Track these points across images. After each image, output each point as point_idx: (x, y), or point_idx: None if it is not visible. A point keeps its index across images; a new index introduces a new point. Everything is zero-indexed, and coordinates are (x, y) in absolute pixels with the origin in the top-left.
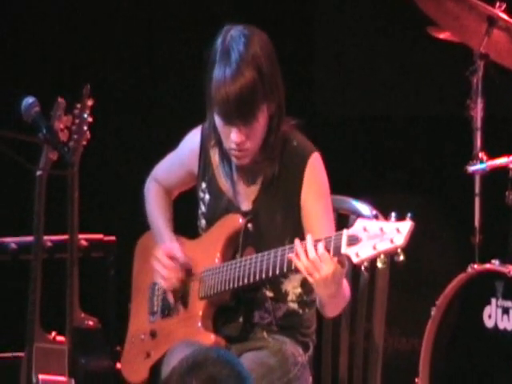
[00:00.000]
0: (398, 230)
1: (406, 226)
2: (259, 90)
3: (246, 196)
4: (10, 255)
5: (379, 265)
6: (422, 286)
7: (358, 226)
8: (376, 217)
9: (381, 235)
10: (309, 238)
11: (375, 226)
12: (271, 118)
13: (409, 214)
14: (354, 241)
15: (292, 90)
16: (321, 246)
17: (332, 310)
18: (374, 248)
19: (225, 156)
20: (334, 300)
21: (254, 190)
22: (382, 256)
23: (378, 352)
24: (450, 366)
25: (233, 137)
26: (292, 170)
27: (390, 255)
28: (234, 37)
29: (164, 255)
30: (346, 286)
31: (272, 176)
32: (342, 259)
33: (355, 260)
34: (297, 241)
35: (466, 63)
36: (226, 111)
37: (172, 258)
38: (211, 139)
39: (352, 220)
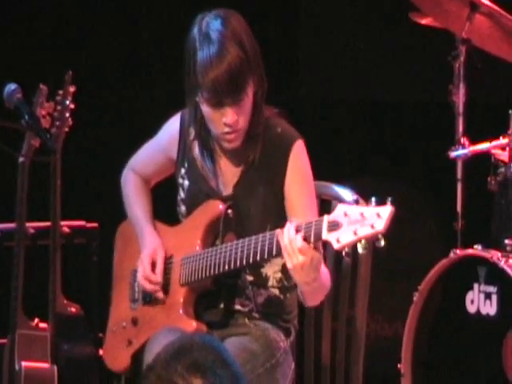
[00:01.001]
0: (378, 215)
1: (387, 210)
2: (245, 64)
3: (228, 181)
4: None
5: (360, 250)
6: (404, 271)
7: (338, 212)
8: (357, 202)
9: (361, 220)
10: (290, 227)
11: (356, 211)
12: (256, 92)
13: (389, 199)
14: (334, 226)
15: (276, 75)
16: (299, 236)
17: (313, 299)
18: (355, 233)
19: (206, 148)
20: (314, 288)
21: (235, 174)
22: (363, 241)
23: (360, 337)
24: (433, 352)
25: (227, 118)
26: (275, 156)
27: (371, 240)
28: (209, 21)
29: (148, 261)
30: (325, 273)
31: (254, 159)
32: (317, 245)
33: (336, 246)
34: (278, 230)
35: (448, 48)
36: (217, 91)
37: (153, 263)
38: (190, 130)
39: (334, 206)
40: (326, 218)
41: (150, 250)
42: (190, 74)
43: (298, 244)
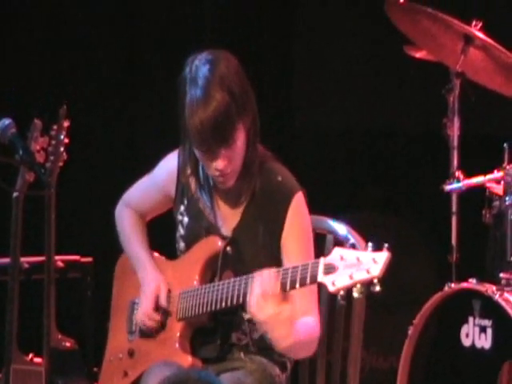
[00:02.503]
0: (374, 261)
1: (383, 256)
2: (233, 111)
3: (227, 221)
4: None
5: (355, 295)
6: (399, 305)
7: (334, 255)
8: (353, 246)
9: (357, 265)
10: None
11: (352, 255)
12: (248, 133)
13: (385, 245)
14: (330, 269)
15: (270, 106)
16: (274, 283)
17: (297, 354)
18: (351, 277)
19: (203, 185)
20: (287, 344)
21: (234, 217)
22: (359, 286)
23: (355, 371)
24: None
25: (216, 165)
26: (275, 206)
27: (367, 285)
28: (198, 65)
29: (153, 299)
30: (307, 328)
31: (250, 198)
32: (286, 295)
33: (331, 289)
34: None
35: (443, 82)
36: (202, 139)
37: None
38: (187, 168)
39: (329, 240)
40: (323, 261)
41: (154, 286)
42: (182, 115)
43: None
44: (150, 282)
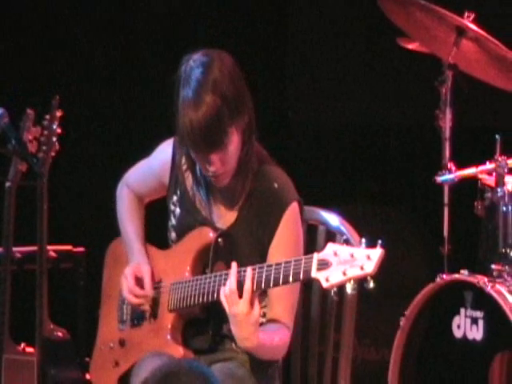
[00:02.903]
0: (368, 257)
1: (377, 253)
2: (224, 115)
3: (222, 218)
4: None
5: (349, 291)
6: (391, 296)
7: (328, 251)
8: (346, 241)
9: (351, 261)
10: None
11: (346, 251)
12: (243, 134)
13: (379, 241)
14: (324, 265)
15: (264, 100)
16: (248, 282)
17: (257, 355)
18: (344, 274)
19: (199, 181)
20: (249, 345)
21: (230, 215)
22: (352, 282)
23: (347, 361)
24: (419, 377)
25: (210, 166)
26: (269, 214)
27: (360, 281)
28: (192, 66)
29: (132, 274)
30: (274, 337)
31: (245, 196)
32: (256, 303)
33: (325, 285)
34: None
35: (435, 73)
36: (193, 142)
37: (139, 279)
38: (182, 162)
39: (321, 231)
40: (316, 256)
41: (132, 266)
42: (176, 114)
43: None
44: (130, 265)
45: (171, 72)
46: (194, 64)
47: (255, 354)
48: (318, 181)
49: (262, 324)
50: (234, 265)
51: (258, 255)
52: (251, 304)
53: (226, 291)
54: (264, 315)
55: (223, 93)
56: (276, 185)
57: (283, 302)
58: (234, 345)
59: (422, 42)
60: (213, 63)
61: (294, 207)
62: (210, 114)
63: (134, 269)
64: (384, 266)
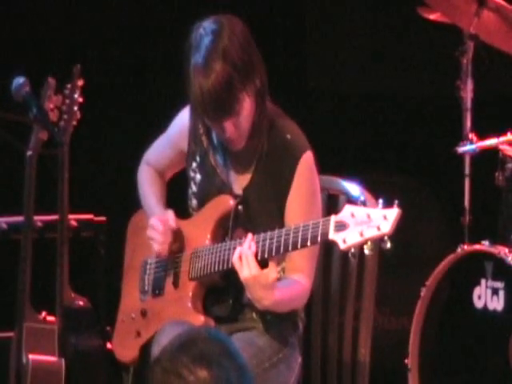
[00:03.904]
0: (384, 217)
1: (393, 213)
2: (235, 82)
3: (238, 181)
4: (0, 235)
5: (366, 251)
6: (412, 266)
7: (345, 212)
8: (363, 203)
9: (368, 222)
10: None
11: (362, 212)
12: (256, 98)
13: (396, 201)
14: (341, 227)
15: (284, 67)
16: (252, 248)
17: (277, 310)
18: (361, 235)
19: (215, 145)
20: (265, 305)
21: (245, 176)
22: (369, 243)
23: (367, 331)
24: (440, 347)
25: (224, 132)
26: (283, 164)
27: (377, 242)
28: (202, 34)
29: (158, 221)
30: (292, 289)
31: (259, 156)
32: (272, 264)
33: (342, 246)
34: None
35: (456, 44)
36: (204, 110)
37: (165, 223)
38: (199, 127)
39: (341, 200)
40: (333, 218)
41: (156, 216)
42: (187, 82)
43: (247, 256)
44: (153, 216)
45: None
46: (203, 32)
47: (275, 310)
48: (339, 150)
49: (279, 279)
50: (249, 235)
51: (278, 212)
52: (260, 267)
53: (234, 259)
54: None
55: (233, 60)
56: (289, 136)
57: (302, 254)
58: (254, 314)
59: (443, 12)
60: (222, 30)
61: (308, 156)
62: (219, 81)
63: (158, 217)
64: (405, 236)
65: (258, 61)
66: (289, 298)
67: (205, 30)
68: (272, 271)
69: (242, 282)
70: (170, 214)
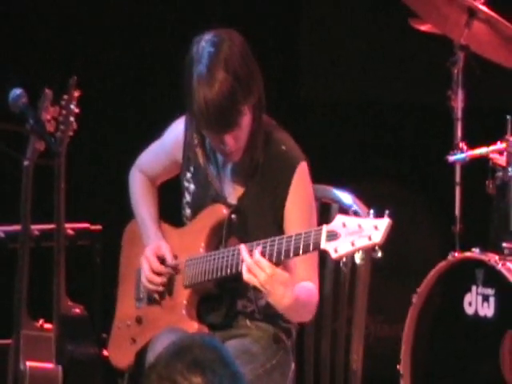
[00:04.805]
0: (375, 228)
1: (384, 223)
2: (237, 93)
3: (233, 191)
4: None
5: (357, 261)
6: (403, 274)
7: (337, 222)
8: (355, 213)
9: (359, 232)
10: (243, 247)
11: (354, 222)
12: (254, 111)
13: (387, 211)
14: (333, 236)
15: (277, 77)
16: (257, 252)
17: (292, 316)
18: (353, 244)
19: (209, 157)
20: (287, 304)
21: (240, 188)
22: (361, 252)
23: (360, 337)
24: (432, 353)
25: (224, 145)
26: (279, 175)
27: (368, 251)
28: (204, 46)
29: (153, 255)
30: (306, 290)
31: (254, 168)
32: (285, 264)
33: (334, 255)
34: (242, 246)
35: (447, 54)
36: (207, 123)
37: (160, 257)
38: (194, 138)
39: (334, 209)
40: (325, 228)
41: (152, 247)
42: (188, 95)
43: (258, 261)
44: (150, 245)
45: (185, 52)
46: (205, 44)
47: (292, 314)
48: (331, 159)
49: None
50: (241, 245)
51: (272, 222)
52: (271, 267)
53: (245, 276)
54: None
55: (235, 70)
56: (284, 147)
57: (304, 263)
58: (248, 321)
59: (434, 23)
60: (224, 43)
61: (303, 166)
62: (223, 91)
63: (155, 249)
64: (397, 244)
65: (257, 73)
66: (304, 296)
67: (206, 42)
68: (284, 273)
69: (262, 290)
70: (166, 247)
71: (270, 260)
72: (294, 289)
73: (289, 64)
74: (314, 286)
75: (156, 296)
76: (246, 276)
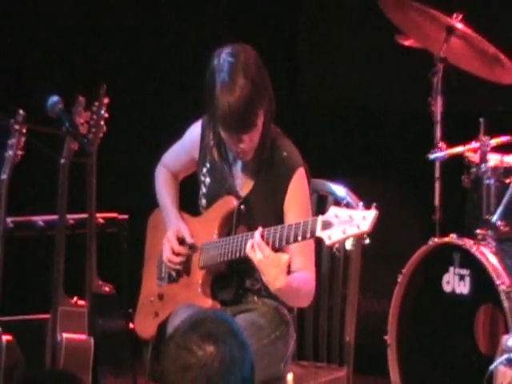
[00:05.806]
0: (364, 218)
1: (371, 214)
2: (255, 97)
3: (243, 186)
4: (38, 231)
5: (348, 247)
6: (390, 257)
7: (330, 213)
8: (347, 204)
9: (350, 221)
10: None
11: (345, 213)
12: (266, 115)
13: (374, 204)
14: (327, 225)
15: (276, 80)
16: (257, 233)
17: (289, 301)
18: (344, 232)
19: (224, 157)
20: (279, 286)
21: (249, 184)
22: (351, 239)
23: (352, 312)
24: (415, 325)
25: (243, 145)
26: (280, 178)
27: (358, 239)
28: (224, 57)
29: (174, 236)
30: (302, 278)
31: (261, 167)
32: (284, 249)
33: (328, 242)
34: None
35: (428, 66)
36: (230, 125)
37: (181, 239)
38: (210, 140)
39: (329, 200)
40: (320, 218)
41: (172, 230)
42: (209, 101)
43: (259, 242)
44: (171, 227)
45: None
46: (225, 56)
47: (286, 297)
48: (327, 156)
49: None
50: (259, 228)
51: (274, 215)
52: (266, 251)
53: (247, 249)
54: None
55: (252, 78)
56: (285, 153)
57: (302, 254)
58: (255, 297)
59: (417, 38)
60: (241, 54)
61: (300, 171)
62: (244, 96)
63: (175, 232)
64: (384, 232)
65: (268, 81)
66: (298, 283)
67: (226, 54)
68: (284, 255)
69: (257, 268)
70: (186, 230)
71: (273, 245)
72: (287, 276)
73: (287, 68)
74: (311, 275)
75: (175, 275)
76: (247, 250)
